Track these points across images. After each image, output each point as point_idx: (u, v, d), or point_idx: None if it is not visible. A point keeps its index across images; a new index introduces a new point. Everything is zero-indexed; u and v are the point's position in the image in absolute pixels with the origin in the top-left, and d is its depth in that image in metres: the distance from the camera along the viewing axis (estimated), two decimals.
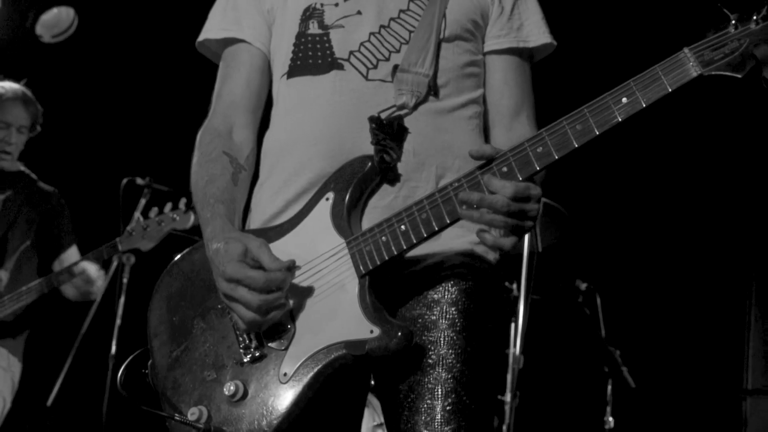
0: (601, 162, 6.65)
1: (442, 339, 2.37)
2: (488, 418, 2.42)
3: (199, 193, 2.54)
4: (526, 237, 5.53)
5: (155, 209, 4.96)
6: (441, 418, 2.30)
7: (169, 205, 4.91)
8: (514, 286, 5.73)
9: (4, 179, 5.46)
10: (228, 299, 2.32)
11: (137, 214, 5.09)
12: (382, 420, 5.20)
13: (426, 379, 2.34)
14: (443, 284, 2.44)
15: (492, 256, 2.53)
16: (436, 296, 2.43)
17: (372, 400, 5.10)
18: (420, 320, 2.41)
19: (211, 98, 2.78)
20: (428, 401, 2.32)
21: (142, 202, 6.15)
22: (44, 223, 5.44)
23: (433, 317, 2.40)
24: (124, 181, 6.08)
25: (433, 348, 2.37)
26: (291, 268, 2.30)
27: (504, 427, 5.30)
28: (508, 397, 5.31)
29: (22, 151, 5.59)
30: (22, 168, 5.59)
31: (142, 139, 7.54)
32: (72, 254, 5.48)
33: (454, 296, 2.42)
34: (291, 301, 2.35)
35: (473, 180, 2.23)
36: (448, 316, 2.40)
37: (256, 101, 2.74)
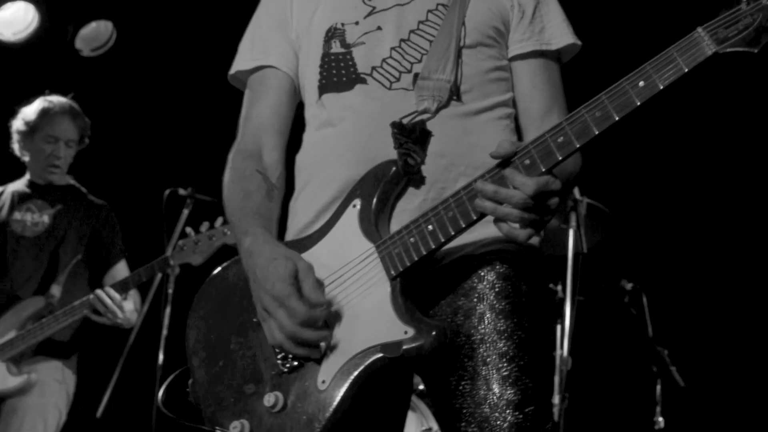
0: (644, 160, 6.61)
1: (484, 323, 2.37)
2: (545, 392, 2.39)
3: (236, 207, 2.57)
4: (571, 239, 5.50)
5: (206, 224, 4.97)
6: (502, 400, 2.29)
7: (219, 220, 4.92)
8: (559, 287, 5.70)
9: (55, 193, 5.51)
10: (266, 313, 2.34)
11: (188, 229, 5.09)
12: (430, 425, 5.20)
13: (477, 365, 2.34)
14: (479, 271, 2.44)
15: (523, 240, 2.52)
16: (473, 284, 2.43)
17: (418, 404, 5.09)
18: (460, 310, 2.41)
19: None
20: (484, 387, 2.31)
21: (185, 212, 6.19)
22: (95, 237, 5.48)
23: (472, 304, 2.40)
24: (167, 192, 6.13)
25: (477, 333, 2.36)
26: (327, 306, 2.31)
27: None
28: (556, 399, 5.27)
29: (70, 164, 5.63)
30: (72, 182, 5.63)
31: (183, 150, 7.58)
32: (121, 269, 5.51)
33: (491, 280, 2.42)
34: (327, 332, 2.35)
35: (497, 175, 2.23)
36: (486, 301, 2.39)
37: (284, 123, 2.78)
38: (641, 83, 2.12)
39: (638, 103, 2.13)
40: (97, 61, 7.59)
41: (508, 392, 2.30)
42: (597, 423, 6.60)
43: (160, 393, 2.48)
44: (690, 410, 6.49)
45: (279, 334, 2.30)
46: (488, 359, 2.33)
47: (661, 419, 6.08)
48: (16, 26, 7.37)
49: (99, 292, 5.01)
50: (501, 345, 2.34)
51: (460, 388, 2.35)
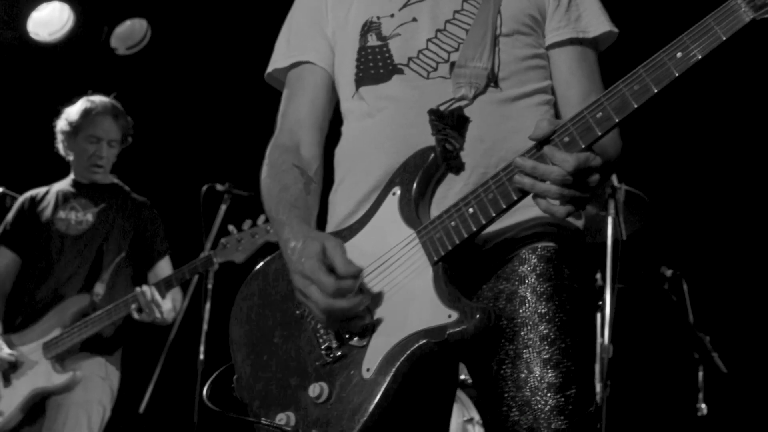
0: (682, 146, 6.57)
1: (525, 306, 2.36)
2: (586, 374, 2.38)
3: (273, 200, 2.59)
4: (610, 226, 5.48)
5: (248, 221, 4.99)
6: (543, 383, 2.28)
7: (262, 218, 4.94)
8: (599, 275, 5.68)
9: (98, 192, 5.55)
10: (301, 295, 2.35)
11: (230, 227, 5.10)
12: (472, 415, 5.20)
13: (518, 349, 2.33)
14: (521, 254, 2.43)
15: (572, 220, 2.51)
16: (514, 267, 2.42)
17: (459, 394, 5.09)
18: (502, 294, 2.41)
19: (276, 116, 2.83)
20: (525, 370, 2.31)
21: (223, 207, 6.22)
22: (138, 235, 5.51)
23: (513, 287, 2.40)
24: (205, 187, 6.15)
25: (518, 317, 2.36)
26: (358, 275, 2.30)
27: None
28: (598, 387, 5.26)
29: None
30: (115, 180, 5.67)
31: (220, 146, 7.61)
32: (164, 266, 5.54)
33: (533, 263, 2.41)
34: (366, 299, 2.35)
35: (536, 154, 2.21)
36: (528, 284, 2.39)
37: (322, 119, 2.79)
38: (679, 54, 2.10)
39: (676, 74, 2.11)
40: (133, 59, 7.64)
41: (549, 375, 2.29)
42: (639, 410, 6.57)
43: (205, 389, 2.48)
44: (733, 396, 6.45)
45: (317, 311, 2.32)
46: (529, 342, 2.33)
47: (703, 406, 6.05)
48: (52, 26, 7.43)
49: (144, 287, 5.04)
50: (542, 328, 2.33)
51: (501, 372, 2.35)
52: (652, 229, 6.02)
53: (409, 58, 2.57)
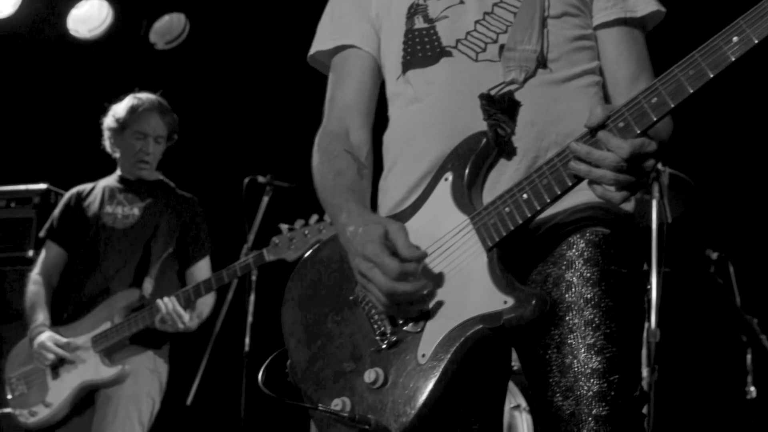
0: (726, 128, 6.51)
1: (571, 291, 2.35)
2: (632, 361, 2.36)
3: (328, 186, 2.59)
4: (654, 210, 5.44)
5: (300, 221, 4.97)
6: (586, 369, 2.27)
7: (314, 217, 4.92)
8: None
9: (145, 188, 5.57)
10: (362, 278, 2.34)
11: (282, 225, 5.09)
12: (519, 402, 5.19)
13: (563, 334, 2.32)
14: (569, 238, 2.42)
15: (624, 205, 2.46)
16: (562, 251, 2.41)
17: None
18: (550, 278, 2.40)
19: (323, 102, 2.83)
20: (569, 355, 2.30)
21: (265, 199, 6.25)
22: (184, 231, 5.53)
23: (560, 271, 2.38)
24: (247, 179, 6.18)
25: (564, 301, 2.34)
26: (422, 258, 2.30)
27: None
28: (645, 372, 5.23)
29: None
30: (161, 177, 5.69)
31: (261, 138, 7.63)
32: (202, 267, 5.55)
33: (581, 248, 2.39)
34: (428, 283, 2.34)
35: (590, 140, 2.20)
36: (575, 268, 2.37)
37: (369, 103, 2.79)
38: (735, 38, 2.06)
39: (732, 59, 2.07)
40: (172, 53, 7.67)
41: (593, 361, 2.27)
42: (688, 394, 6.53)
43: (260, 374, 2.48)
44: None
45: (378, 295, 2.31)
46: (574, 327, 2.31)
47: (753, 389, 6.01)
48: (91, 23, 7.50)
49: (165, 299, 5.05)
50: (587, 313, 2.32)
51: (547, 357, 2.34)
52: (696, 212, 5.98)
53: (458, 40, 2.55)
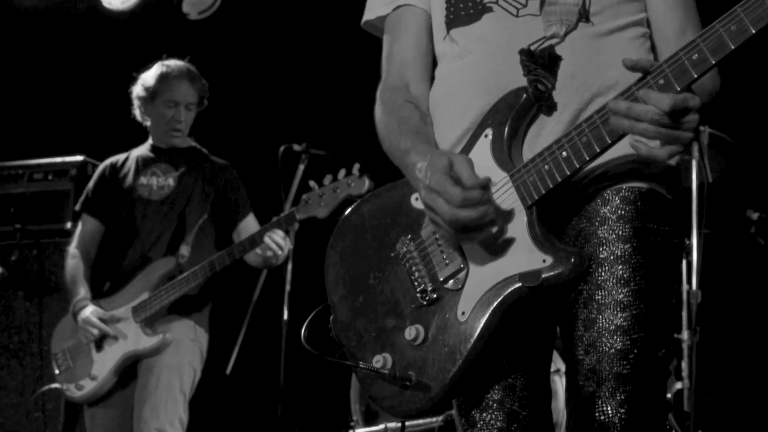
0: (765, 85, 6.41)
1: (603, 248, 2.33)
2: (660, 320, 2.33)
3: (394, 133, 2.59)
4: (694, 170, 5.38)
5: (329, 176, 4.96)
6: (611, 325, 2.26)
7: (342, 171, 4.90)
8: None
9: (178, 156, 5.58)
10: (428, 209, 2.33)
11: (311, 182, 5.08)
12: (558, 366, 5.17)
13: (591, 290, 2.31)
14: (605, 194, 2.39)
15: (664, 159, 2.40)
16: (596, 207, 2.39)
17: None
18: (582, 233, 2.38)
19: (381, 61, 2.82)
20: (595, 311, 2.28)
21: (301, 168, 6.24)
22: (219, 196, 5.53)
23: (593, 228, 2.36)
24: (282, 148, 6.17)
25: (595, 258, 2.32)
26: (486, 186, 2.29)
27: (683, 365, 5.20)
28: (685, 335, 5.20)
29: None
30: (194, 143, 5.70)
31: (296, 106, 7.62)
32: (250, 222, 5.56)
33: (616, 204, 2.37)
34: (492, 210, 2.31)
35: (630, 96, 2.16)
36: (607, 225, 2.35)
37: (426, 58, 2.76)
38: None
39: None
40: (206, 23, 7.67)
41: (618, 317, 2.26)
42: (729, 357, 6.48)
43: (303, 330, 2.50)
44: None
45: (443, 224, 2.29)
46: (602, 283, 2.30)
47: None
48: None
49: (271, 232, 5.09)
50: (616, 269, 2.30)
51: (573, 311, 2.33)
52: (737, 171, 5.91)
53: None
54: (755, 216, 6.05)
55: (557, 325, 2.52)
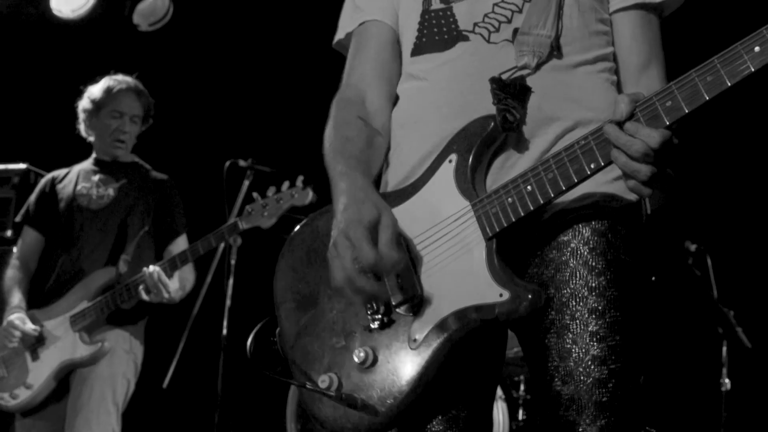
0: (705, 119, 6.53)
1: (575, 279, 2.32)
2: (634, 350, 2.32)
3: (335, 152, 2.51)
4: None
5: (272, 188, 4.98)
6: (587, 356, 2.26)
7: (286, 183, 4.93)
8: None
9: (119, 169, 5.56)
10: (334, 252, 2.27)
11: (254, 194, 5.08)
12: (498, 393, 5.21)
13: (564, 320, 2.31)
14: (574, 226, 2.38)
15: (631, 195, 2.43)
16: (566, 238, 2.38)
17: None
18: (552, 263, 2.37)
19: (341, 74, 2.79)
20: (570, 341, 2.28)
21: (246, 183, 6.22)
22: (159, 211, 5.51)
23: (564, 258, 2.36)
24: (227, 163, 6.15)
25: (566, 288, 2.33)
26: (398, 263, 2.25)
27: None
28: None
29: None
30: (136, 159, 5.68)
31: (242, 122, 7.61)
32: (180, 244, 5.52)
33: (586, 236, 2.36)
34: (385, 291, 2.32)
35: (601, 137, 2.15)
36: (579, 256, 2.34)
37: (388, 72, 2.72)
38: (757, 48, 1.99)
39: (752, 70, 2.00)
40: (156, 35, 7.63)
41: (594, 348, 2.26)
42: (663, 385, 6.56)
43: (249, 341, 2.45)
44: (757, 372, 6.44)
45: (340, 274, 2.23)
46: (577, 314, 2.29)
47: (727, 381, 6.05)
48: (74, 2, 7.43)
49: (152, 268, 5.04)
50: (591, 301, 2.29)
51: (546, 341, 2.32)
52: (675, 203, 5.99)
53: (475, 24, 2.51)
54: (693, 247, 6.15)
55: (523, 351, 2.50)
